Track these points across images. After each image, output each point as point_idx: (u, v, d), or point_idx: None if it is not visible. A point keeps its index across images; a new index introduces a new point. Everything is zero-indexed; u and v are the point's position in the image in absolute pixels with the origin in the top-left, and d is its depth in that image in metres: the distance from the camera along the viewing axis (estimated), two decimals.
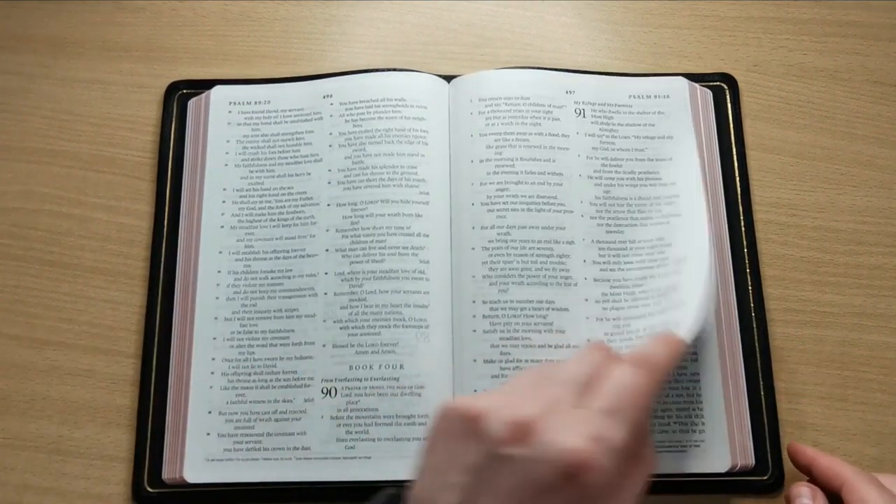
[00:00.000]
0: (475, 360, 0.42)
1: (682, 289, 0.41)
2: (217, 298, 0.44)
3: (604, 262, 0.44)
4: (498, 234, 0.43)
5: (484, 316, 0.42)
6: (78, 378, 0.44)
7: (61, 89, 0.50)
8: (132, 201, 0.47)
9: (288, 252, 0.44)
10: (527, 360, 0.42)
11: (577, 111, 0.46)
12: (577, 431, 0.27)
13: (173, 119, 0.48)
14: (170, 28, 0.51)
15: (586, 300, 0.43)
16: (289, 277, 0.44)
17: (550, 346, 0.42)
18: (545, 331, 0.42)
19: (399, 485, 0.31)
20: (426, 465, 0.30)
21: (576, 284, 0.43)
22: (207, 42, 0.51)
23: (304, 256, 0.44)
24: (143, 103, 0.49)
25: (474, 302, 0.42)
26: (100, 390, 0.44)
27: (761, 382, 0.43)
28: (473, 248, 0.43)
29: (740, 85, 0.49)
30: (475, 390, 0.41)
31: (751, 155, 0.48)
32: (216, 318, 0.43)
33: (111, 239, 0.46)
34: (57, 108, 0.49)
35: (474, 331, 0.42)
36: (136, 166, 0.48)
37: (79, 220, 0.47)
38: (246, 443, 0.41)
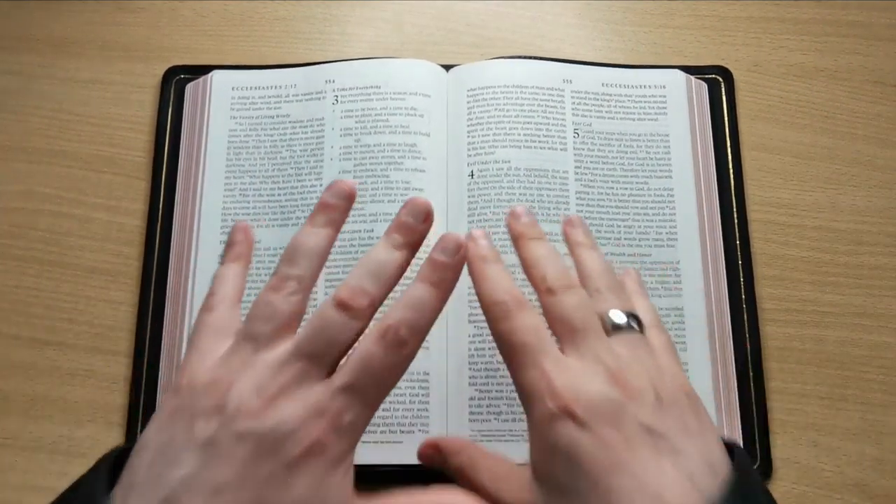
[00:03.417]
0: (468, 322, 0.42)
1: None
2: None
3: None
4: (491, 225, 0.44)
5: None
6: (78, 378, 0.44)
7: (61, 89, 0.50)
8: (132, 201, 0.47)
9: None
10: None
11: (575, 101, 0.46)
12: (315, 406, 0.28)
13: (170, 103, 0.48)
14: (170, 28, 0.51)
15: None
16: None
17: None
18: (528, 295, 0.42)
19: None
20: (154, 441, 0.29)
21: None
22: (207, 42, 0.51)
23: None
24: (142, 103, 0.49)
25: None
26: (100, 390, 0.44)
27: (751, 376, 0.43)
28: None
29: (740, 85, 0.49)
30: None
31: (751, 155, 0.48)
32: None
33: (111, 239, 0.46)
34: (57, 108, 0.49)
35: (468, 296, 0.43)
36: (135, 166, 0.48)
37: (79, 220, 0.47)
38: None
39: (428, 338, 0.42)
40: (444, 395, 0.41)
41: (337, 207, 0.33)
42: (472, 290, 0.42)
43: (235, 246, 0.35)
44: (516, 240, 0.35)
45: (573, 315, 0.32)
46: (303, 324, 0.31)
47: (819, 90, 0.50)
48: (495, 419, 0.41)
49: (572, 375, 0.30)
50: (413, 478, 0.41)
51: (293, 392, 0.29)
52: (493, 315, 0.33)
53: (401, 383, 0.41)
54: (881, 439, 0.43)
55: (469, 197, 0.44)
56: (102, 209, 0.47)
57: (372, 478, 0.41)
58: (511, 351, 0.32)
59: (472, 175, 0.45)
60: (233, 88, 0.48)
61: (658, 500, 0.27)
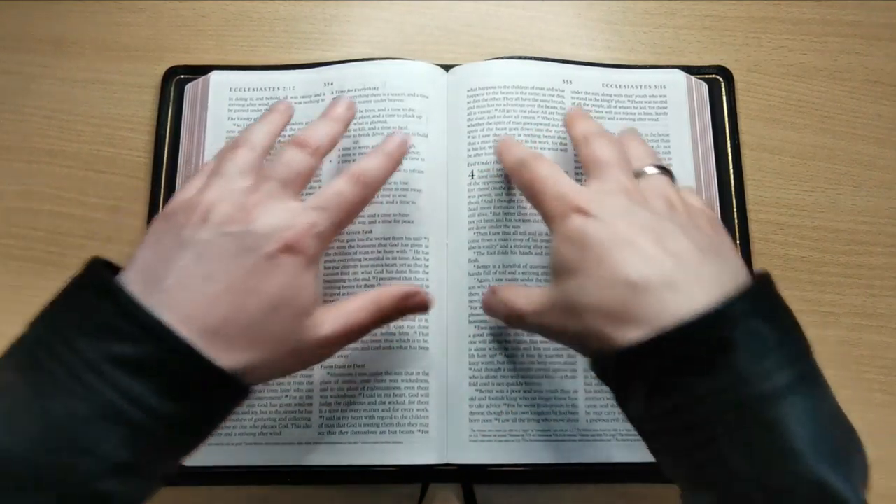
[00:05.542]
0: (468, 322, 0.42)
1: None
2: None
3: None
4: (492, 226, 0.44)
5: (472, 276, 0.43)
6: None
7: (61, 89, 0.50)
8: (132, 201, 0.47)
9: None
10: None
11: (575, 101, 0.46)
12: (293, 215, 0.33)
13: (170, 103, 0.48)
14: (170, 28, 0.51)
15: None
16: None
17: None
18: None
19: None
20: (145, 254, 0.32)
21: None
22: (207, 42, 0.51)
23: None
24: (143, 103, 0.49)
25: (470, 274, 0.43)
26: None
27: None
28: (468, 239, 0.44)
29: (740, 85, 0.49)
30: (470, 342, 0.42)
31: (751, 155, 0.48)
32: None
33: (111, 239, 0.46)
34: (57, 108, 0.49)
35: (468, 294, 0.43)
36: (135, 166, 0.48)
37: (79, 220, 0.47)
38: (238, 429, 0.41)
39: (428, 338, 0.42)
40: (444, 395, 0.41)
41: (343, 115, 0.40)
42: (472, 291, 0.43)
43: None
44: (569, 123, 0.40)
45: (602, 153, 0.36)
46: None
47: (819, 90, 0.50)
48: (495, 419, 0.41)
49: (589, 191, 0.34)
50: (413, 478, 0.42)
51: (270, 205, 0.33)
52: (516, 170, 0.37)
53: (401, 383, 0.41)
54: (881, 439, 0.43)
55: (469, 197, 0.44)
56: (102, 209, 0.47)
57: (372, 478, 0.41)
58: (534, 190, 0.36)
59: (473, 175, 0.45)
60: (230, 89, 0.47)
61: (658, 265, 0.29)
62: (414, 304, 0.39)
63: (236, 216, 0.32)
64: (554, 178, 0.35)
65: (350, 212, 0.36)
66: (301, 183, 0.36)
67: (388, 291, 0.38)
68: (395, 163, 0.39)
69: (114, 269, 0.32)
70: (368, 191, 0.37)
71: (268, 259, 0.32)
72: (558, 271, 0.33)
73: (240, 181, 0.34)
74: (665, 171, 0.36)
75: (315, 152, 0.36)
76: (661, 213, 0.32)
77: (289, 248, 0.32)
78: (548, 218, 0.35)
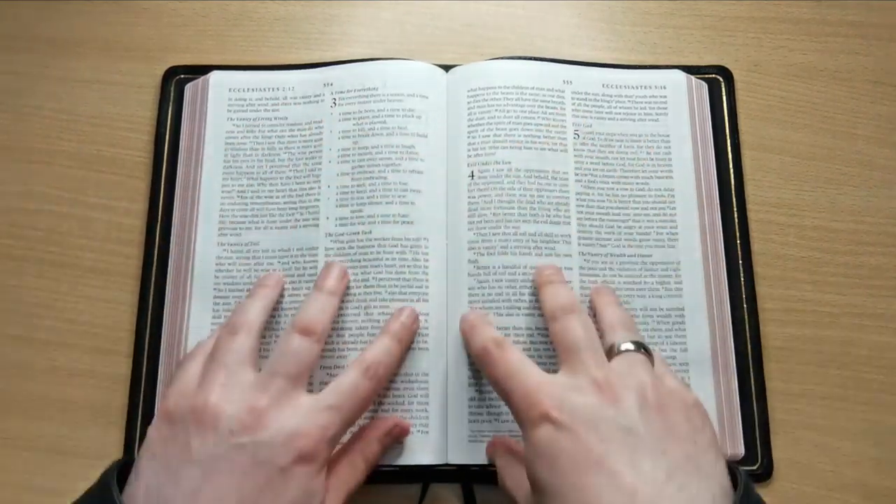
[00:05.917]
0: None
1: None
2: (217, 277, 0.44)
3: (588, 248, 0.44)
4: (492, 226, 0.44)
5: (470, 276, 0.43)
6: (78, 378, 0.44)
7: (61, 89, 0.50)
8: (131, 201, 0.47)
9: (289, 250, 0.44)
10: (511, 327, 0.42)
11: (575, 101, 0.46)
12: (306, 420, 0.33)
13: (170, 103, 0.48)
14: (170, 28, 0.51)
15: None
16: (287, 260, 0.44)
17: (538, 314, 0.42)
18: (529, 295, 0.42)
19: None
20: (150, 467, 0.31)
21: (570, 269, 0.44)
22: (208, 42, 0.51)
23: (302, 250, 0.44)
24: (143, 103, 0.49)
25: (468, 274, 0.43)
26: (100, 390, 0.44)
27: (751, 376, 0.43)
28: (468, 240, 0.44)
29: (740, 85, 0.49)
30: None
31: (751, 155, 0.48)
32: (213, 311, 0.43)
33: (111, 239, 0.46)
34: (57, 108, 0.49)
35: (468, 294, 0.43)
36: (135, 166, 0.48)
37: (78, 220, 0.47)
38: None
39: (428, 338, 0.42)
40: (444, 395, 0.41)
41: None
42: (472, 292, 0.43)
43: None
44: (540, 288, 0.40)
45: (572, 336, 0.35)
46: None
47: (819, 90, 0.50)
48: (495, 420, 0.41)
49: (557, 387, 0.33)
50: (413, 478, 0.42)
51: (281, 407, 0.33)
52: (482, 360, 0.37)
53: (400, 384, 0.41)
54: (881, 439, 0.43)
55: (469, 198, 0.44)
56: (102, 209, 0.47)
57: (372, 478, 0.41)
58: (500, 386, 0.35)
59: (473, 176, 0.45)
60: (230, 90, 0.47)
61: (632, 497, 0.28)
62: (396, 435, 0.39)
63: (246, 422, 0.32)
64: (520, 374, 0.34)
65: (363, 407, 0.36)
66: (308, 374, 0.35)
67: (370, 438, 0.38)
68: (405, 344, 0.39)
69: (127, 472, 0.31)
70: (381, 382, 0.37)
71: (281, 472, 0.31)
72: (533, 485, 0.32)
73: (244, 375, 0.34)
74: (640, 344, 0.35)
75: (320, 339, 0.36)
76: (633, 417, 0.31)
77: (302, 458, 0.32)
78: (517, 418, 0.34)
